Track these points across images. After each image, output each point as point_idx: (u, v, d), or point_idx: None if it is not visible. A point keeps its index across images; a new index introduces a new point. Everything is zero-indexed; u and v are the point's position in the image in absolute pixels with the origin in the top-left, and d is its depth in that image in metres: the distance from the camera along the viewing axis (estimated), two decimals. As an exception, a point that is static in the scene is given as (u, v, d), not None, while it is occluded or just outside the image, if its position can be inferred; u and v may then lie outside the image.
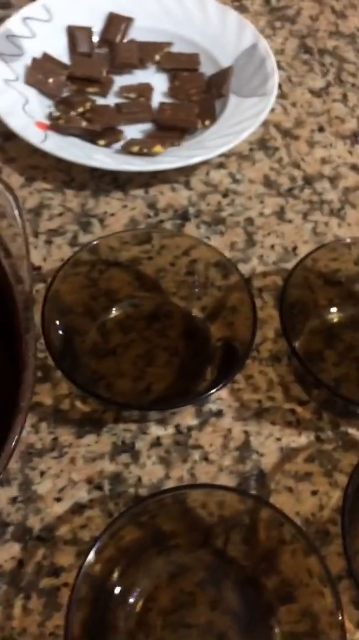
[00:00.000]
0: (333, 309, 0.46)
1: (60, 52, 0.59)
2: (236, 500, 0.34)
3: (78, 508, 0.37)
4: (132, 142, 0.53)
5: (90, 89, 0.59)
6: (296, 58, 0.64)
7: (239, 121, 0.53)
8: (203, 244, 0.44)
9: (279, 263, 0.48)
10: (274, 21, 0.67)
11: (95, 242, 0.43)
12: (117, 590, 0.34)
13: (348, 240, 0.45)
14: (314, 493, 0.38)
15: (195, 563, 0.35)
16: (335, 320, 0.45)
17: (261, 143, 0.56)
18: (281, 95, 0.60)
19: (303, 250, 0.49)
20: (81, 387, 0.37)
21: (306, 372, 0.38)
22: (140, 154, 0.52)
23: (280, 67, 0.62)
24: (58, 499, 0.37)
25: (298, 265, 0.43)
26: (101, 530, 0.32)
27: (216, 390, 0.37)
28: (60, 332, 0.41)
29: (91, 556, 0.32)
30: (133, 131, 0.55)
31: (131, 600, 0.34)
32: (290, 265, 0.48)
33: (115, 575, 0.34)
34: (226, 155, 0.55)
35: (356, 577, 0.33)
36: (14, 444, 0.28)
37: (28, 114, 0.53)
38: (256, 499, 0.33)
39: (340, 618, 0.31)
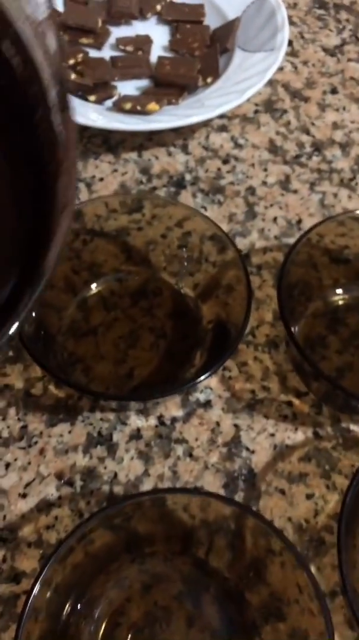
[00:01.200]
0: (339, 290, 0.41)
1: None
2: (221, 503, 0.30)
3: (45, 506, 0.33)
4: (125, 98, 0.48)
5: (84, 40, 0.54)
6: (309, 13, 0.58)
7: (244, 78, 0.48)
8: (199, 214, 0.39)
9: (281, 238, 0.44)
10: (288, -29, 0.61)
11: (78, 207, 0.39)
12: (82, 601, 0.30)
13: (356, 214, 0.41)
14: (309, 496, 0.34)
15: (173, 573, 0.31)
16: (340, 302, 0.41)
17: (268, 104, 0.51)
18: (292, 53, 0.55)
19: (308, 224, 0.44)
20: (51, 372, 0.33)
21: (304, 361, 0.34)
22: (133, 111, 0.47)
23: (291, 22, 0.57)
24: (23, 495, 0.34)
25: (300, 239, 0.38)
26: (68, 532, 0.29)
27: (205, 378, 0.33)
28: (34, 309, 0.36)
29: (53, 561, 0.28)
30: (129, 87, 0.51)
31: (97, 613, 0.30)
32: (293, 240, 0.43)
33: (81, 584, 0.30)
34: (228, 117, 0.50)
35: (349, 596, 0.29)
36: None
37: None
38: (241, 507, 0.29)
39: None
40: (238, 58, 0.50)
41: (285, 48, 0.48)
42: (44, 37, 0.19)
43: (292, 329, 0.40)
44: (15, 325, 0.21)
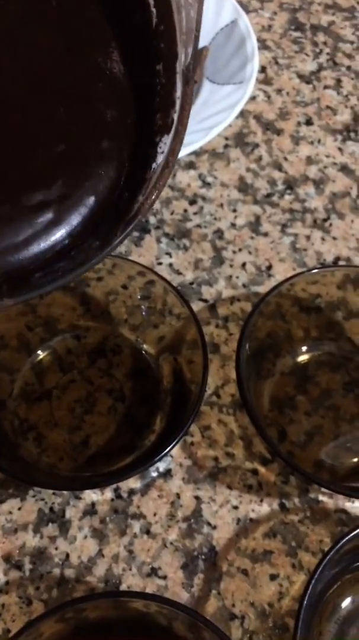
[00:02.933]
0: (309, 345, 0.39)
1: None
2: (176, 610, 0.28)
3: (-8, 592, 0.31)
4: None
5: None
6: (284, 36, 0.56)
7: (211, 114, 0.45)
8: (153, 273, 0.37)
9: (250, 286, 0.41)
10: (262, -8, 0.59)
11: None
12: None
13: (332, 269, 0.39)
14: (273, 577, 0.32)
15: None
16: (310, 358, 0.39)
17: (239, 138, 0.49)
18: (265, 80, 0.52)
19: (278, 270, 0.42)
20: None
21: (263, 437, 0.31)
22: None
23: (265, 46, 0.55)
24: (-31, 580, 0.32)
25: (269, 293, 0.36)
26: (16, 624, 0.27)
27: (165, 454, 0.31)
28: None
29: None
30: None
31: None
32: (262, 288, 0.41)
33: None
34: (196, 152, 0.47)
35: None
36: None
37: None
38: (193, 616, 0.27)
39: None
40: (206, 91, 0.47)
41: (254, 80, 0.46)
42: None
43: (261, 387, 0.38)
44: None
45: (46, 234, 0.25)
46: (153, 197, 0.25)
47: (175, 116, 0.23)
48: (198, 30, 0.26)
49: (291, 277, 0.37)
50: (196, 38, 0.27)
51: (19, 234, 0.25)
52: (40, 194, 0.24)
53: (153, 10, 0.20)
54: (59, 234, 0.25)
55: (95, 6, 0.21)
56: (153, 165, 0.24)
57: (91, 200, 0.25)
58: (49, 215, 0.25)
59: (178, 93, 0.23)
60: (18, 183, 0.24)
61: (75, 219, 0.25)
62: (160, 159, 0.24)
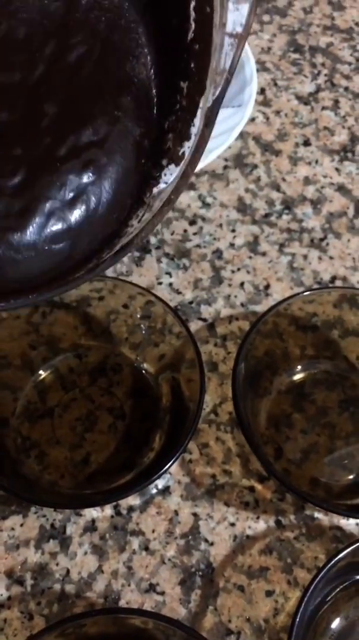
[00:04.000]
0: (305, 362, 0.40)
1: None
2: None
3: (-6, 607, 0.32)
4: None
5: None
6: (284, 58, 0.57)
7: (212, 136, 0.46)
8: (151, 294, 0.38)
9: (248, 305, 0.42)
10: (262, 14, 0.60)
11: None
12: None
13: (329, 290, 0.40)
14: (269, 593, 0.33)
15: None
16: (307, 376, 0.39)
17: (238, 159, 0.50)
18: (264, 102, 0.54)
19: (275, 289, 0.43)
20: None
21: (258, 456, 0.32)
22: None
23: (265, 68, 0.56)
24: (-28, 595, 0.32)
25: (267, 312, 0.37)
26: (17, 638, 0.28)
27: (164, 471, 0.32)
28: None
29: None
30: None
31: None
32: (260, 307, 0.42)
33: None
34: (196, 173, 0.48)
35: None
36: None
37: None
38: (190, 634, 0.27)
39: None
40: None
41: (252, 104, 0.47)
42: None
43: (259, 405, 0.38)
44: None
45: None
46: (146, 233, 0.25)
47: (188, 151, 0.23)
48: (231, 73, 0.25)
49: (288, 298, 0.38)
50: (227, 81, 0.26)
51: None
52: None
53: (192, 23, 0.20)
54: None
55: (135, 11, 0.21)
56: (154, 190, 0.24)
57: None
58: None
59: (197, 129, 0.23)
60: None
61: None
62: (162, 186, 0.24)
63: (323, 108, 0.54)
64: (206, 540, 0.34)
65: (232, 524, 0.35)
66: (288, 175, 0.49)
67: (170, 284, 0.43)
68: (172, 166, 0.23)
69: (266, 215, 0.47)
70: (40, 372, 0.39)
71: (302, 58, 0.57)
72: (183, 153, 0.23)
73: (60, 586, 0.33)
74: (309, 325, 0.40)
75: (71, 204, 0.24)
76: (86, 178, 0.23)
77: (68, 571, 0.33)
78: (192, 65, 0.21)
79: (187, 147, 0.23)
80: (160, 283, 0.43)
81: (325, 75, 0.56)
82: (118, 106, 0.23)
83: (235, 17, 0.24)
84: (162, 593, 0.33)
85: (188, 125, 0.22)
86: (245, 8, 0.24)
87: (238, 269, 0.44)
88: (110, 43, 0.22)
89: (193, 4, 0.20)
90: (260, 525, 0.35)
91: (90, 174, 0.23)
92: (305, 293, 0.39)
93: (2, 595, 0.32)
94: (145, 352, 0.39)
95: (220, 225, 0.46)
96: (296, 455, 0.37)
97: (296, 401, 0.38)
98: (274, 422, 0.38)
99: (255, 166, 0.49)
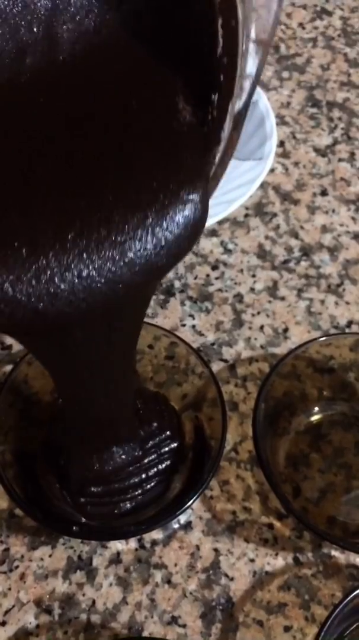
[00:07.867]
0: (323, 405, 0.41)
1: None
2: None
3: (23, 635, 0.34)
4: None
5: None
6: (302, 112, 0.60)
7: (234, 187, 0.49)
8: (175, 336, 0.40)
9: (267, 347, 0.44)
10: (282, 71, 0.63)
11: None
12: None
13: (345, 335, 0.41)
14: (287, 629, 0.34)
15: None
16: (324, 417, 0.41)
17: (258, 208, 0.52)
18: (284, 154, 0.56)
19: (294, 332, 0.45)
20: (20, 504, 0.33)
21: (277, 494, 0.34)
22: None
23: (284, 122, 0.59)
24: (2, 623, 0.34)
25: (286, 356, 0.39)
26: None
27: (185, 509, 0.34)
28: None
29: None
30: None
31: None
32: (279, 350, 0.44)
33: None
34: (218, 221, 0.51)
35: None
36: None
37: None
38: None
39: None
40: (228, 167, 0.51)
41: (272, 157, 0.50)
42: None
43: (278, 444, 0.40)
44: None
45: None
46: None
47: (218, 156, 0.24)
48: (257, 78, 0.25)
49: (306, 343, 0.40)
50: (254, 86, 0.25)
51: None
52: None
53: (220, 39, 0.21)
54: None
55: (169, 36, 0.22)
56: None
57: None
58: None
59: (226, 132, 0.23)
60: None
61: None
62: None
63: (340, 160, 0.56)
64: (226, 575, 0.35)
65: (252, 560, 0.36)
66: (306, 223, 0.51)
67: (193, 326, 0.45)
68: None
69: (285, 262, 0.49)
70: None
71: (320, 112, 0.60)
72: (214, 155, 0.24)
73: (87, 616, 0.34)
74: (326, 368, 0.42)
75: None
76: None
77: (94, 602, 0.35)
78: (221, 77, 0.22)
79: (217, 153, 0.23)
80: (184, 325, 0.45)
81: (342, 128, 0.59)
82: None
83: (259, 24, 0.24)
84: (184, 626, 0.34)
85: (218, 130, 0.23)
86: (268, 16, 0.24)
87: (258, 313, 0.46)
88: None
89: (220, 21, 0.21)
90: (279, 561, 0.36)
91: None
92: (322, 338, 0.41)
93: (31, 623, 0.34)
94: (169, 390, 0.41)
95: (241, 271, 0.48)
96: (313, 494, 0.38)
97: (313, 441, 0.40)
98: (292, 461, 0.39)
99: (275, 214, 0.52)
